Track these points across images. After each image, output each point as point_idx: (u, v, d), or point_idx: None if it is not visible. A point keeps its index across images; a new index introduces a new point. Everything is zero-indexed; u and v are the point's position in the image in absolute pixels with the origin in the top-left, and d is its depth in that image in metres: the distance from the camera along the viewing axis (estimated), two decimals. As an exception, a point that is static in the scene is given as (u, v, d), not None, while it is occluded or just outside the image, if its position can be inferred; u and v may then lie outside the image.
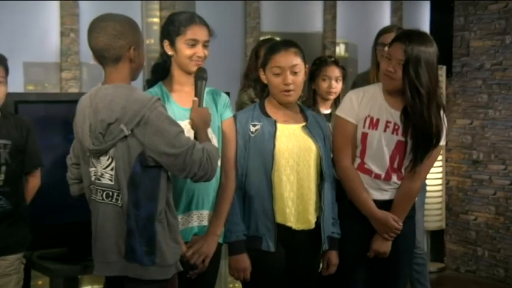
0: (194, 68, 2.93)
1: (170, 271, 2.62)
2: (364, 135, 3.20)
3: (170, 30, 2.94)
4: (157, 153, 2.52)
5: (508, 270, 5.50)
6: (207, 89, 2.99)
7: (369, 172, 3.22)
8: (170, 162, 2.54)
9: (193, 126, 2.83)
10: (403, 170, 3.22)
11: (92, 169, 2.61)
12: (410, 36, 3.13)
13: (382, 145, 3.19)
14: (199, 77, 2.91)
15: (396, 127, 3.18)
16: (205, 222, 2.98)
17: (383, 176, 3.21)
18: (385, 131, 3.18)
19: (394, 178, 3.22)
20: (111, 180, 2.57)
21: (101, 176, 2.58)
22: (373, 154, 3.20)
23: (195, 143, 2.60)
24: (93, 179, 2.62)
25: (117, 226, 2.56)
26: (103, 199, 2.59)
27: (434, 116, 3.13)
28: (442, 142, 3.23)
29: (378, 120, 3.19)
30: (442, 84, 5.60)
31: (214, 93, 3.07)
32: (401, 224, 3.21)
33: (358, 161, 3.23)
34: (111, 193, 2.57)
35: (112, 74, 2.60)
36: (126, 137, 2.51)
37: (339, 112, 3.26)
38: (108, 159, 2.56)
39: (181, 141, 2.54)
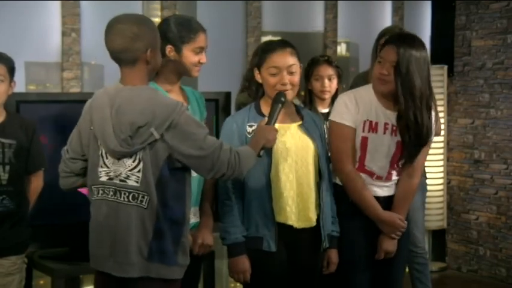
0: (197, 74, 3.01)
1: (184, 270, 2.66)
2: (364, 139, 3.20)
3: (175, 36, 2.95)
4: (186, 155, 2.55)
5: (510, 269, 5.49)
6: (189, 88, 3.09)
7: (370, 173, 3.23)
8: (198, 164, 2.58)
9: (252, 138, 2.86)
10: (400, 165, 3.25)
11: (103, 169, 2.60)
12: (402, 38, 3.17)
13: (384, 147, 3.21)
14: (278, 100, 2.98)
15: (394, 128, 3.19)
16: (194, 219, 3.05)
17: (385, 176, 3.24)
18: (384, 133, 3.21)
19: (394, 175, 3.26)
20: (137, 182, 2.55)
21: (126, 178, 2.57)
22: (374, 157, 3.21)
23: (222, 143, 2.63)
24: (103, 179, 2.60)
25: (140, 227, 2.56)
26: (129, 201, 2.57)
27: (425, 118, 3.15)
28: (433, 138, 3.28)
29: (376, 123, 3.20)
30: (443, 84, 5.59)
31: (195, 93, 3.15)
32: (406, 222, 3.26)
33: (357, 164, 3.23)
34: (136, 195, 2.56)
35: (129, 74, 2.59)
36: (155, 140, 2.52)
37: (334, 117, 3.23)
38: (134, 161, 2.55)
39: (208, 143, 2.57)
